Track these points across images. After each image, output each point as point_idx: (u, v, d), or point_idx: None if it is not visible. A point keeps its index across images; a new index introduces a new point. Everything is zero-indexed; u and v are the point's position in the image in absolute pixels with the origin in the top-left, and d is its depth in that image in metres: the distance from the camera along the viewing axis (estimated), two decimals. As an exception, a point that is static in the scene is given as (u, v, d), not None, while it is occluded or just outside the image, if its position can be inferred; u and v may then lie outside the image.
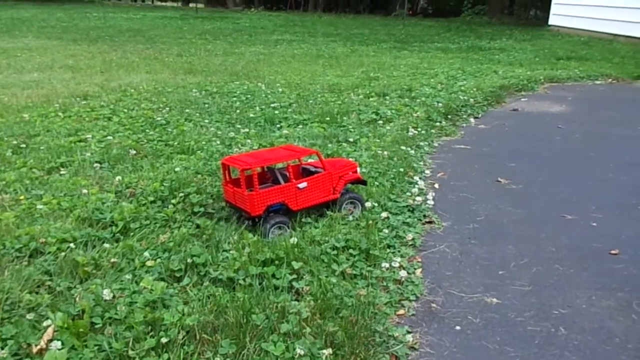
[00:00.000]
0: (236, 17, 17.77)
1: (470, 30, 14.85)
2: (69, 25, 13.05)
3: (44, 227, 2.32)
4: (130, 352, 1.60)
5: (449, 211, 2.96)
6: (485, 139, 4.54)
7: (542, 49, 10.22)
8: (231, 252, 2.20)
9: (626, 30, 10.75)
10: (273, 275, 2.04)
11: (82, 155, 3.37)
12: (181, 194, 2.74)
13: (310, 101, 5.35)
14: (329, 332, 1.73)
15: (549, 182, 3.53)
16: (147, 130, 4.11)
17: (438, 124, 4.79)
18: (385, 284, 2.14)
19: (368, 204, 2.75)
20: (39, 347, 1.57)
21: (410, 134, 4.28)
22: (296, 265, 2.09)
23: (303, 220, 2.60)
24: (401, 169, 3.35)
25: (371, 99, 5.51)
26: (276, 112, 4.85)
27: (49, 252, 2.14)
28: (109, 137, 3.83)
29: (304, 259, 2.15)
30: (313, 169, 2.66)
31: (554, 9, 13.97)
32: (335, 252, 2.24)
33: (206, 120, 4.51)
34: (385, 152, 3.66)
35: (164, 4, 29.02)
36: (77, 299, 1.80)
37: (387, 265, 2.22)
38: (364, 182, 2.84)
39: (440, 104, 5.28)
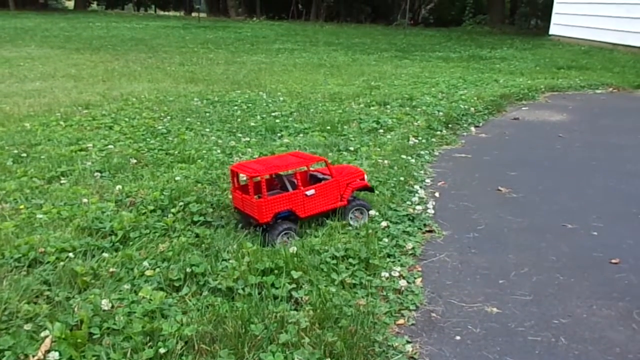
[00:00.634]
0: (238, 26, 17.88)
1: (471, 39, 14.91)
2: (71, 34, 13.15)
3: (44, 236, 2.32)
4: (128, 363, 1.59)
5: (449, 220, 2.96)
6: (485, 148, 4.54)
7: (542, 58, 10.25)
8: (230, 261, 2.19)
9: (626, 40, 10.79)
10: (272, 285, 2.03)
11: (83, 164, 3.38)
12: (181, 203, 2.75)
13: (311, 110, 5.37)
14: (328, 342, 1.72)
15: (549, 191, 3.52)
16: (148, 139, 4.13)
17: (439, 132, 4.79)
18: (385, 293, 2.13)
19: (372, 212, 2.75)
20: (36, 358, 1.57)
21: (410, 142, 4.28)
22: (295, 274, 2.08)
23: (302, 229, 2.60)
24: (401, 178, 3.35)
25: (372, 108, 5.53)
26: (277, 120, 4.87)
27: (48, 262, 2.14)
28: (110, 146, 3.84)
29: (304, 268, 2.14)
30: (321, 176, 2.68)
31: (554, 18, 14.03)
32: (334, 261, 2.23)
33: (207, 129, 4.52)
34: (386, 161, 3.66)
35: (166, 13, 29.26)
36: (76, 309, 1.80)
37: (387, 274, 2.21)
38: (371, 190, 2.86)
39: (441, 113, 5.29)
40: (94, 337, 1.71)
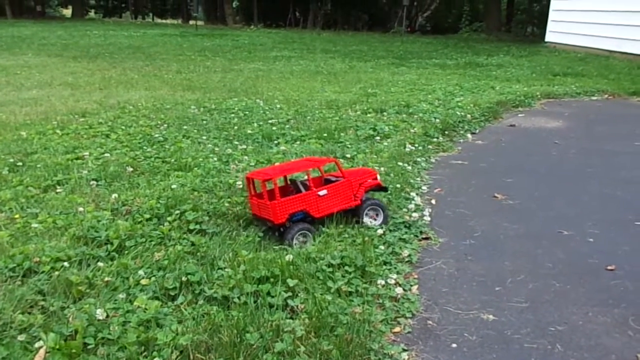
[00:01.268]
0: (235, 34, 17.95)
1: (468, 46, 15.00)
2: (69, 42, 13.18)
3: (39, 246, 2.31)
4: (123, 373, 1.58)
5: (445, 227, 2.96)
6: (482, 155, 4.56)
7: (539, 65, 10.31)
8: (226, 269, 2.19)
9: (622, 47, 10.86)
10: (268, 293, 2.03)
11: (79, 172, 3.38)
12: (177, 212, 2.74)
13: (308, 117, 5.38)
14: (324, 351, 1.72)
15: (545, 197, 3.53)
16: (145, 147, 4.13)
17: (435, 139, 4.81)
18: (381, 301, 2.13)
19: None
20: (30, 367, 1.56)
21: (407, 150, 4.29)
22: (291, 282, 2.08)
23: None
24: (398, 185, 3.36)
25: (369, 115, 5.54)
26: (274, 128, 4.88)
27: (43, 272, 2.13)
28: (106, 155, 3.84)
29: (300, 276, 2.14)
30: (334, 179, 2.75)
31: (550, 26, 14.13)
32: (330, 269, 2.23)
33: (204, 137, 4.53)
34: (382, 168, 3.66)
35: (164, 21, 29.36)
36: (70, 319, 1.79)
37: (383, 282, 2.21)
38: (384, 189, 2.90)
39: (437, 120, 5.31)
40: (89, 347, 1.70)
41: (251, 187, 2.63)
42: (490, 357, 1.87)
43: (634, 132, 5.45)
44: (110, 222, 2.60)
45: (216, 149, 4.16)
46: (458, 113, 5.67)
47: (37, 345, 1.66)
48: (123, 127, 4.74)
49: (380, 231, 2.60)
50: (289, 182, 2.76)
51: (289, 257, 2.23)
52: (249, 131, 4.75)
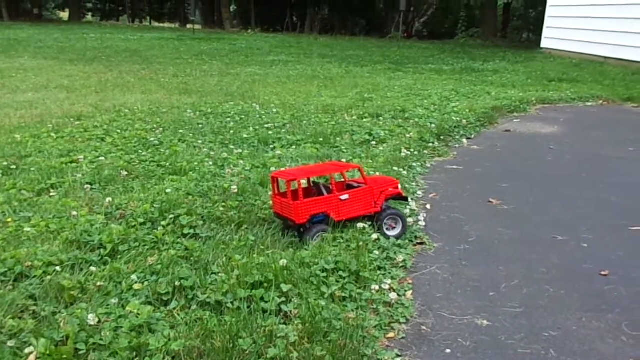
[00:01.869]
0: (233, 38, 17.97)
1: (464, 52, 15.07)
2: (65, 45, 13.16)
3: (31, 250, 2.30)
4: (114, 379, 1.57)
5: (440, 232, 2.96)
6: (477, 160, 4.57)
7: (534, 71, 10.36)
8: (220, 274, 2.18)
9: (616, 53, 10.94)
10: (262, 298, 2.02)
11: (73, 176, 3.36)
12: (171, 216, 2.73)
13: (304, 122, 5.38)
14: (317, 357, 1.71)
15: (540, 202, 3.54)
16: (140, 151, 4.12)
17: (431, 144, 4.81)
18: (375, 306, 2.12)
19: (359, 225, 2.74)
20: (20, 373, 1.54)
21: (403, 155, 4.30)
22: (285, 288, 2.07)
23: (293, 240, 2.59)
24: (393, 190, 3.35)
25: (365, 120, 5.55)
26: (270, 132, 4.87)
27: (35, 276, 2.11)
28: (101, 158, 3.82)
29: (293, 281, 2.13)
30: (357, 185, 2.80)
31: (545, 32, 14.22)
32: (324, 274, 2.22)
33: (199, 141, 4.52)
34: (378, 173, 3.66)
35: (161, 25, 29.38)
36: (62, 324, 1.77)
37: (377, 287, 2.20)
38: (404, 198, 2.93)
39: (433, 125, 5.32)
40: (80, 353, 1.68)
41: (275, 186, 2.68)
42: (484, 363, 1.86)
43: (627, 137, 5.48)
44: (103, 227, 2.58)
45: (212, 153, 4.15)
46: (454, 118, 5.68)
47: (27, 350, 1.65)
48: (118, 131, 4.73)
49: (374, 236, 2.60)
50: (312, 184, 2.82)
51: (283, 262, 2.22)
52: (245, 135, 4.75)
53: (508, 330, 2.06)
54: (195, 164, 3.79)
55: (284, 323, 1.91)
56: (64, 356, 1.62)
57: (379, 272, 2.38)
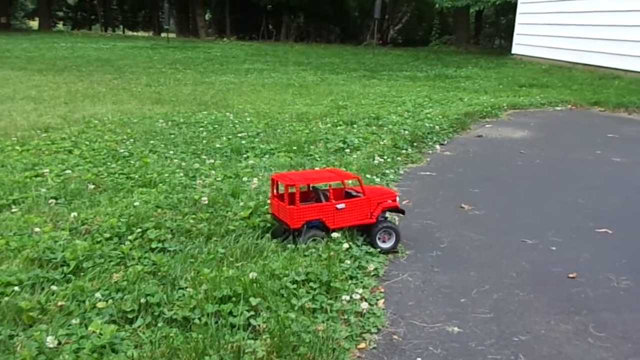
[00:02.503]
0: (208, 46, 17.85)
1: (438, 59, 15.28)
2: (34, 55, 12.86)
3: (-11, 269, 2.21)
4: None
5: (412, 239, 2.96)
6: (450, 166, 4.61)
7: (505, 77, 10.57)
8: (187, 289, 2.13)
9: (584, 59, 11.25)
10: (230, 313, 1.98)
11: (37, 190, 3.26)
12: (139, 230, 2.67)
13: (278, 130, 5.36)
14: (286, 372, 1.68)
15: (510, 207, 3.59)
16: (109, 163, 4.03)
17: (404, 151, 4.84)
18: (346, 316, 2.10)
19: (335, 235, 2.72)
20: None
21: (376, 162, 4.31)
22: (254, 301, 2.03)
23: (265, 253, 2.56)
24: (365, 198, 3.35)
25: (339, 128, 5.56)
26: (243, 141, 4.84)
27: (-8, 297, 2.03)
28: (67, 171, 3.72)
29: (263, 294, 2.10)
30: (355, 194, 2.82)
31: (516, 39, 14.54)
32: (295, 285, 2.20)
33: (171, 152, 4.45)
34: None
35: (135, 34, 29.02)
36: (18, 348, 1.70)
37: (348, 297, 2.19)
38: (401, 212, 2.93)
39: (406, 132, 5.36)
40: (38, 376, 1.62)
41: (274, 188, 2.74)
42: (454, 371, 1.86)
43: (595, 141, 5.61)
44: (67, 243, 2.51)
45: (183, 163, 4.09)
46: (427, 124, 5.74)
47: (-19, 376, 1.58)
48: (87, 143, 4.62)
49: (346, 245, 2.58)
50: (311, 189, 2.85)
51: (252, 275, 2.19)
52: (218, 145, 4.70)
53: (478, 337, 2.07)
54: (166, 175, 3.73)
55: (253, 338, 1.88)
56: (21, 381, 1.56)
57: (350, 281, 2.36)
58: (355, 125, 5.67)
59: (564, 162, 4.80)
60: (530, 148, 5.27)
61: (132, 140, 4.80)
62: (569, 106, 7.66)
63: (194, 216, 2.92)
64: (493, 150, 5.24)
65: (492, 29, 22.63)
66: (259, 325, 1.92)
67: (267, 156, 4.44)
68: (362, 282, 2.40)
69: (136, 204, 3.04)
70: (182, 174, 3.78)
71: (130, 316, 1.97)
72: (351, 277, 2.40)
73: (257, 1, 22.80)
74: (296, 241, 2.59)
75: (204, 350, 1.74)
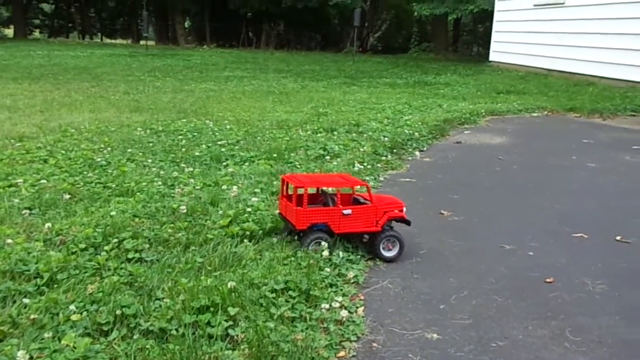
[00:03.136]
0: (187, 54, 17.75)
1: (417, 66, 15.47)
2: (9, 63, 12.61)
3: (-42, 284, 2.14)
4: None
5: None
6: (429, 172, 4.65)
7: (483, 84, 10.75)
8: (165, 300, 2.10)
9: (559, 66, 11.51)
10: (208, 323, 1.95)
11: (10, 201, 3.18)
12: (115, 240, 2.62)
13: (258, 138, 5.35)
14: (264, 382, 1.66)
15: (489, 212, 3.63)
16: (86, 172, 3.96)
17: (384, 158, 4.87)
18: (325, 325, 2.09)
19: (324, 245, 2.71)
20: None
21: (356, 168, 4.32)
22: (232, 311, 2.01)
23: (244, 262, 2.54)
24: (346, 205, 3.35)
25: (319, 135, 5.57)
26: (223, 149, 4.80)
27: (-40, 313, 1.97)
28: (42, 181, 3.64)
29: (242, 303, 2.08)
30: (363, 200, 2.84)
31: (493, 46, 14.82)
32: (274, 294, 2.18)
33: (149, 160, 4.40)
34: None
35: (113, 41, 28.70)
36: (-13, 363, 1.65)
37: (327, 305, 2.18)
38: (407, 222, 2.94)
39: (386, 139, 5.39)
40: (8, 393, 1.57)
41: (284, 188, 2.80)
42: (433, 378, 1.87)
43: (570, 146, 5.73)
44: (41, 254, 2.44)
45: (162, 172, 4.04)
46: (406, 131, 5.78)
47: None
48: (63, 152, 4.54)
49: (325, 253, 2.58)
50: (320, 192, 2.88)
51: (231, 284, 2.16)
52: (197, 153, 4.66)
53: (457, 343, 2.08)
54: (144, 184, 3.68)
55: (231, 348, 1.85)
56: (-11, 399, 1.51)
57: (330, 289, 2.35)
58: (335, 132, 5.69)
59: (540, 168, 4.89)
60: (508, 154, 5.35)
61: (109, 148, 4.73)
62: (545, 112, 7.81)
63: (172, 225, 2.88)
64: (472, 156, 5.31)
65: (470, 36, 23.02)
66: (237, 336, 1.90)
67: (247, 164, 4.42)
68: (342, 289, 2.39)
69: (113, 213, 2.98)
70: (160, 183, 3.73)
71: (105, 328, 1.93)
72: (331, 285, 2.39)
73: (236, 9, 22.79)
74: (301, 243, 2.65)
75: (180, 362, 1.71)
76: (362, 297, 2.38)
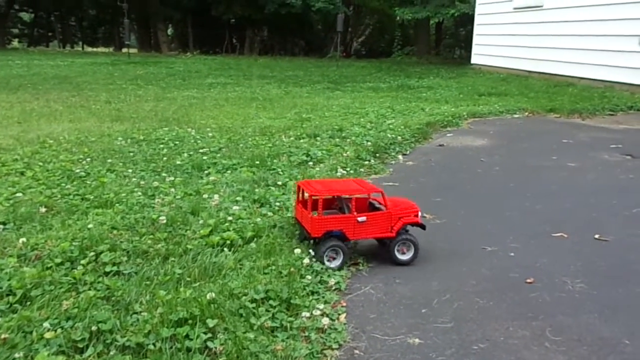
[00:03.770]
0: (170, 61, 17.65)
1: (400, 69, 15.57)
2: (-12, 74, 12.42)
3: None
4: None
5: (375, 251, 2.97)
6: (412, 175, 4.67)
7: (465, 86, 10.84)
8: (142, 313, 2.06)
9: (539, 67, 11.68)
10: (186, 336, 1.92)
11: (-16, 216, 3.12)
12: (92, 253, 2.58)
13: (241, 145, 5.32)
14: (243, 395, 1.63)
15: (471, 215, 3.65)
16: (64, 184, 3.89)
17: (367, 162, 4.87)
18: (307, 333, 2.07)
19: (297, 251, 2.69)
20: None
21: (339, 174, 4.32)
22: (211, 322, 1.98)
23: (224, 272, 2.51)
24: (328, 211, 3.34)
25: (302, 141, 5.55)
26: (205, 157, 4.77)
27: None
28: (18, 194, 3.57)
29: (221, 315, 2.05)
30: (378, 206, 2.87)
31: (474, 49, 14.99)
32: (254, 304, 2.15)
33: (130, 170, 4.34)
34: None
35: (95, 50, 28.42)
36: (-45, 385, 1.60)
37: (308, 314, 2.16)
38: (422, 227, 2.95)
39: (369, 143, 5.40)
40: (-23, 416, 1.52)
41: (299, 194, 2.84)
42: (415, 384, 1.86)
43: (551, 147, 5.80)
44: (14, 271, 2.39)
45: (142, 182, 3.99)
46: (389, 135, 5.80)
47: None
48: (41, 163, 4.46)
49: (306, 260, 2.56)
50: (336, 198, 2.89)
51: (210, 295, 2.13)
52: (179, 162, 4.61)
53: (439, 347, 2.07)
54: (124, 195, 3.62)
55: (210, 361, 1.82)
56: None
57: (311, 297, 2.33)
58: (318, 138, 5.68)
59: (522, 169, 4.93)
60: (490, 156, 5.39)
61: (89, 159, 4.67)
62: (526, 113, 7.90)
63: (151, 236, 2.84)
64: (454, 158, 5.34)
65: (452, 39, 23.24)
66: (216, 348, 1.87)
67: (229, 172, 4.39)
68: (323, 297, 2.37)
69: (90, 226, 2.93)
70: (140, 193, 3.68)
71: (80, 345, 1.88)
72: (312, 293, 2.38)
73: (220, 15, 22.74)
74: (316, 251, 2.68)
75: (157, 377, 1.68)
76: (344, 304, 2.37)
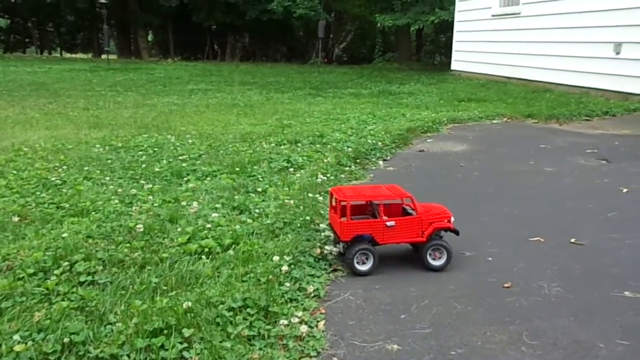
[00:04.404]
0: (150, 67, 17.49)
1: (381, 75, 15.69)
2: (-38, 80, 12.15)
3: None
4: None
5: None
6: (392, 181, 4.62)
7: (446, 92, 10.97)
8: (117, 324, 2.02)
9: (518, 74, 11.89)
10: (162, 347, 1.89)
11: (-46, 226, 3.03)
12: (67, 263, 2.52)
13: (221, 151, 5.28)
14: (219, 406, 1.61)
15: (449, 220, 3.67)
16: (38, 193, 3.81)
17: (348, 168, 4.88)
18: (285, 342, 2.06)
19: (276, 258, 2.67)
20: None
21: (319, 180, 4.31)
22: (187, 332, 1.95)
23: (201, 280, 2.48)
24: (307, 217, 3.34)
25: (283, 147, 5.54)
26: (184, 164, 4.72)
27: None
28: (-10, 204, 3.49)
29: (197, 324, 2.02)
30: (410, 211, 2.87)
31: (454, 55, 15.19)
32: (231, 313, 2.13)
33: (107, 178, 4.27)
34: (293, 201, 3.64)
35: (73, 56, 28.01)
36: None
37: (286, 321, 2.14)
38: (455, 232, 2.95)
39: (350, 149, 5.42)
40: None
41: (332, 200, 2.92)
42: (393, 390, 1.85)
43: (529, 152, 5.89)
44: (-16, 282, 2.33)
45: (120, 190, 3.93)
46: (370, 141, 5.83)
47: None
48: (15, 172, 4.36)
49: (285, 268, 2.55)
50: (368, 203, 2.93)
51: (186, 304, 2.10)
52: (157, 169, 4.56)
53: (417, 353, 2.07)
54: (100, 203, 3.56)
55: (185, 372, 1.80)
56: None
57: (290, 304, 2.32)
58: (299, 144, 5.68)
59: (500, 174, 5.00)
60: (469, 161, 5.45)
61: (65, 167, 4.58)
62: (505, 119, 8.02)
63: (128, 245, 2.80)
64: (434, 164, 5.39)
65: (432, 46, 23.53)
66: (191, 358, 1.84)
67: (208, 178, 4.35)
68: (302, 304, 2.36)
69: (65, 235, 2.87)
70: (117, 201, 3.63)
71: (52, 358, 1.84)
72: (291, 300, 2.36)
73: (201, 21, 22.65)
74: (345, 256, 2.73)
75: (131, 390, 1.64)
76: (323, 311, 2.36)
